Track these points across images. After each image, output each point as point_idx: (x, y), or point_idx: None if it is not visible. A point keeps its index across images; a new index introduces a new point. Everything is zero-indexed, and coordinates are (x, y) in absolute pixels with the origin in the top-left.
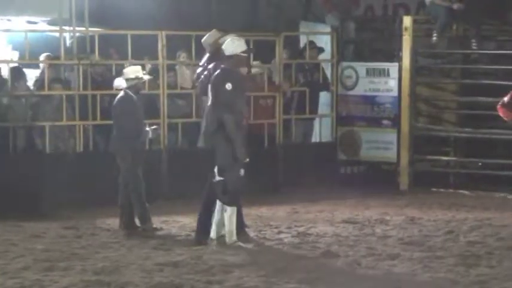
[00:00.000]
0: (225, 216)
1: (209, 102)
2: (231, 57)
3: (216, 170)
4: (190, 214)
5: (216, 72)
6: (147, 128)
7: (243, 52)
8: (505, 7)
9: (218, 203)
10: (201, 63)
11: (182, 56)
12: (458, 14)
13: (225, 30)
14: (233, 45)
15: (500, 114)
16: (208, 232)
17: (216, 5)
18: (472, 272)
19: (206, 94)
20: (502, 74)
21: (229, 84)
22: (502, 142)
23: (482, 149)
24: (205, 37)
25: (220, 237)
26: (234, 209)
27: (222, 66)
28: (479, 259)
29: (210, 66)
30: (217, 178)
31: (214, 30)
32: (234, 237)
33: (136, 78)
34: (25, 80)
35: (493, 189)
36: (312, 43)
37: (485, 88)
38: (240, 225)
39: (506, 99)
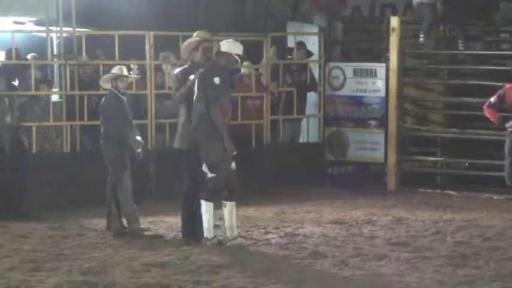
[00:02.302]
0: (225, 212)
1: (194, 97)
2: (224, 54)
3: (205, 167)
4: (178, 214)
5: (206, 67)
6: (138, 138)
7: (237, 55)
8: (491, 8)
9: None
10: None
11: (171, 57)
12: (444, 15)
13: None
14: (232, 45)
15: (487, 114)
16: (193, 231)
17: (204, 5)
18: (459, 273)
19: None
20: (489, 75)
21: (217, 78)
22: (488, 143)
23: (469, 149)
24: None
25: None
26: (234, 203)
27: (212, 61)
28: (466, 259)
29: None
30: (210, 175)
31: (198, 32)
32: (236, 232)
33: (119, 75)
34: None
35: (479, 189)
36: (302, 44)
37: (472, 89)
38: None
39: (492, 100)
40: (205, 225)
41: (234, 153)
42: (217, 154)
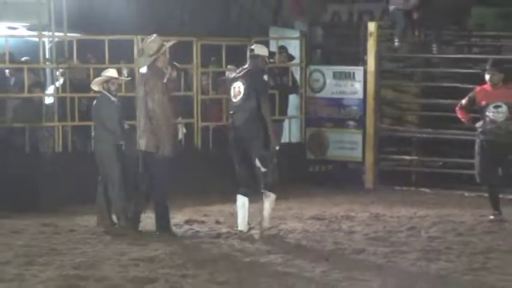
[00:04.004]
0: (266, 204)
1: (239, 97)
2: (258, 56)
3: (258, 162)
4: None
5: (248, 69)
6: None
7: (266, 56)
8: (463, 14)
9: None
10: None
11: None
12: (419, 21)
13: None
14: (262, 48)
15: (459, 115)
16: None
17: (190, 11)
18: (433, 266)
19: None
20: (461, 77)
21: (266, 76)
22: (460, 142)
23: (442, 149)
24: (147, 44)
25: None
26: (275, 196)
27: (248, 66)
28: (439, 254)
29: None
30: (263, 169)
31: (155, 35)
32: (269, 224)
33: (111, 78)
34: None
35: (452, 187)
36: (283, 48)
37: (445, 91)
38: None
39: (464, 101)
40: (240, 219)
41: (277, 147)
42: (266, 149)
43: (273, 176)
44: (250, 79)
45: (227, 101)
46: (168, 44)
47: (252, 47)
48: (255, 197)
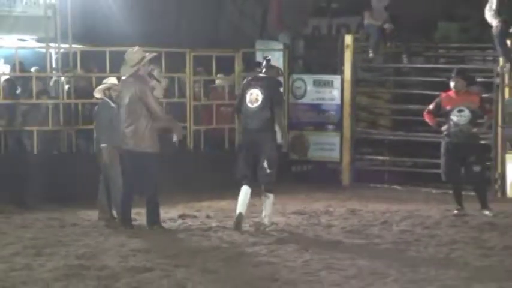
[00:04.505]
0: (266, 204)
1: (259, 103)
2: (274, 67)
3: (266, 164)
4: (161, 205)
5: (265, 79)
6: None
7: (280, 69)
8: (430, 28)
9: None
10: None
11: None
12: (389, 33)
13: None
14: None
15: (426, 119)
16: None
17: (183, 26)
18: (403, 256)
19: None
20: (429, 85)
21: (281, 88)
22: (428, 144)
23: (412, 150)
24: (130, 55)
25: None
26: (273, 197)
27: (265, 75)
28: (409, 245)
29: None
30: (269, 171)
31: (138, 47)
32: (272, 220)
33: (112, 85)
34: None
35: (421, 184)
36: (268, 59)
37: (415, 97)
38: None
39: (431, 106)
40: (240, 202)
41: (285, 150)
42: (275, 153)
43: (272, 177)
44: (268, 89)
45: (217, 107)
46: (148, 56)
47: (269, 57)
48: (253, 194)
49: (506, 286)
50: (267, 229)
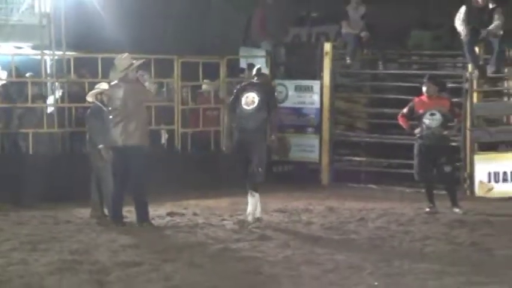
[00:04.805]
0: (251, 201)
1: (255, 105)
2: (265, 74)
3: (258, 163)
4: (150, 203)
5: (260, 83)
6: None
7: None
8: (404, 36)
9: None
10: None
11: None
12: (365, 41)
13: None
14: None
15: (400, 122)
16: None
17: (171, 33)
18: (378, 251)
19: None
20: (403, 90)
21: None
22: (402, 145)
23: (387, 151)
24: (119, 61)
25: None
26: (258, 195)
27: (258, 81)
28: (384, 241)
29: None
30: (260, 170)
31: (127, 54)
32: (256, 215)
33: (104, 90)
34: None
35: (395, 184)
36: (251, 65)
37: (390, 101)
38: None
39: (405, 110)
40: (253, 211)
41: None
42: (265, 153)
43: (261, 177)
44: (264, 93)
45: (203, 110)
46: (137, 63)
47: (259, 66)
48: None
49: (474, 279)
50: (249, 226)
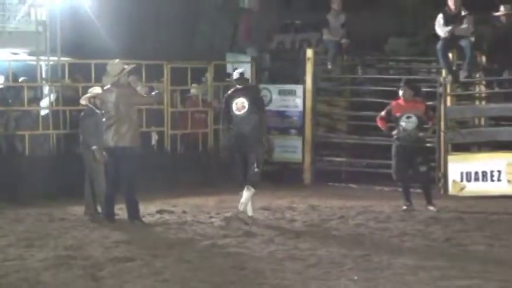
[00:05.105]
0: (245, 194)
1: (246, 109)
2: (248, 79)
3: (255, 163)
4: (141, 201)
5: (248, 88)
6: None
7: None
8: (382, 42)
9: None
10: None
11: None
12: (345, 48)
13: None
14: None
15: (379, 125)
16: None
17: (161, 40)
18: (358, 248)
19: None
20: (381, 94)
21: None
22: (380, 146)
23: (366, 152)
24: (111, 66)
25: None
26: (254, 191)
27: (244, 86)
28: (363, 237)
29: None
30: (256, 169)
31: (118, 60)
32: (246, 208)
33: (97, 94)
34: None
35: (374, 183)
36: (241, 72)
37: (368, 105)
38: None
39: (383, 113)
40: (245, 201)
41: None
42: (263, 153)
43: (259, 175)
44: (252, 97)
45: (191, 113)
46: (128, 68)
47: (241, 71)
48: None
49: (448, 273)
50: (239, 214)
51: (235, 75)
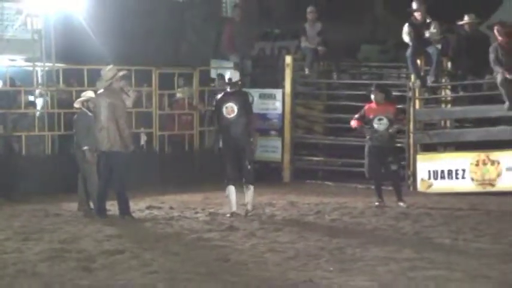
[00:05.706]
0: (248, 193)
1: (235, 113)
2: (236, 82)
3: (248, 162)
4: (131, 198)
5: (235, 92)
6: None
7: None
8: (355, 49)
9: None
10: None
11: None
12: (322, 54)
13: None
14: (235, 74)
15: (353, 125)
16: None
17: (150, 47)
18: (334, 241)
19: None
20: (354, 97)
21: (251, 98)
22: (354, 147)
23: (341, 152)
24: (105, 72)
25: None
26: (253, 187)
27: (233, 90)
28: (338, 231)
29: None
30: (249, 167)
31: (112, 65)
32: (251, 207)
33: (90, 98)
34: None
35: (348, 181)
36: (221, 75)
37: (343, 108)
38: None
39: (357, 116)
40: (232, 202)
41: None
42: (253, 152)
43: (252, 173)
44: (241, 100)
45: (178, 115)
46: (120, 73)
47: (229, 76)
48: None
49: (417, 264)
50: (249, 214)
51: (226, 79)
